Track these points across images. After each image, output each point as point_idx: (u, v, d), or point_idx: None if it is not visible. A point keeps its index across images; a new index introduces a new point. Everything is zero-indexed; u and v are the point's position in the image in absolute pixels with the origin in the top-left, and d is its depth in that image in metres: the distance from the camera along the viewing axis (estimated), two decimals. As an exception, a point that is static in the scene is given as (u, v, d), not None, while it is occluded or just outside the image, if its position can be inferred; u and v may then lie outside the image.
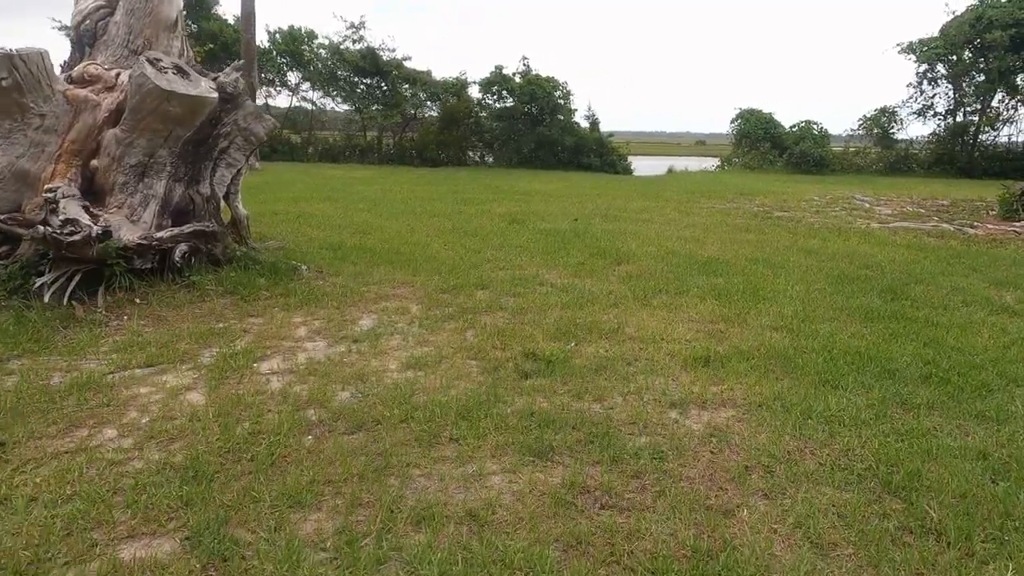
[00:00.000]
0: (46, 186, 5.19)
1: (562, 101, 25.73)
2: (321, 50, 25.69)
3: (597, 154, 25.37)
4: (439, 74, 32.88)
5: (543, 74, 25.76)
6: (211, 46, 23.07)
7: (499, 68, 26.08)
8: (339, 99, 26.56)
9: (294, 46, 24.96)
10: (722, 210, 12.82)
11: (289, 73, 25.93)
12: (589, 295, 5.97)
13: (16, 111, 5.27)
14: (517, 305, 5.58)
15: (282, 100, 33.75)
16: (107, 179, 5.62)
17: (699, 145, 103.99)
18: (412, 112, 26.45)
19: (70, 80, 5.74)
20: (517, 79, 25.73)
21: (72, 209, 4.94)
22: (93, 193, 5.69)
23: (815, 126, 26.41)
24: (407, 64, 25.69)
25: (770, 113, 27.33)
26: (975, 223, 11.99)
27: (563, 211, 11.99)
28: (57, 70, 5.75)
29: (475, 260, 7.32)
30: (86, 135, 5.55)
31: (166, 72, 5.60)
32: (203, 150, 6.15)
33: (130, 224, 5.46)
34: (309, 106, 26.81)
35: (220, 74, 6.36)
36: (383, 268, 6.82)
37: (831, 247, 8.97)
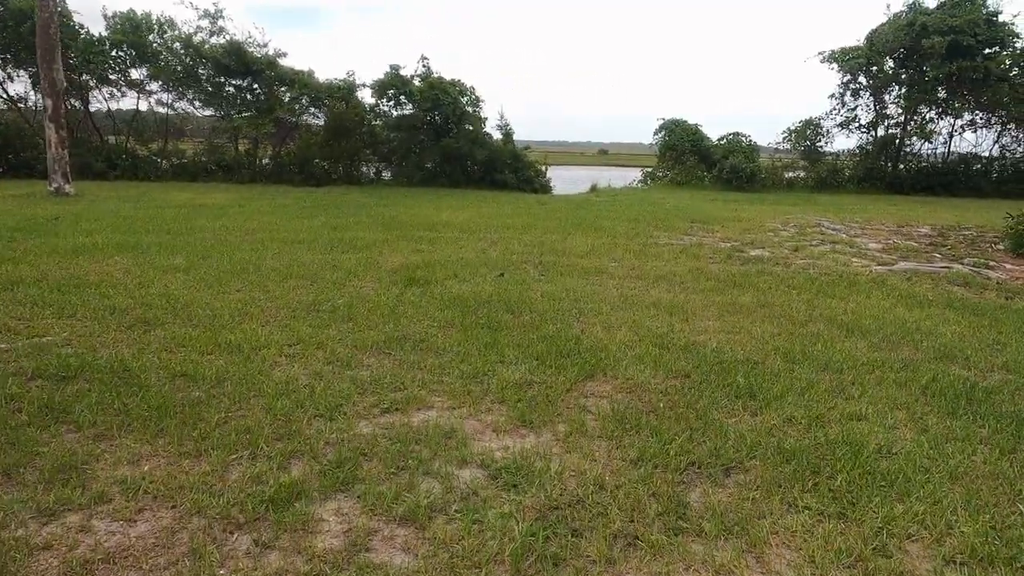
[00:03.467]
0: None
1: (470, 108, 22.39)
2: (176, 43, 21.14)
3: (512, 169, 22.21)
4: (323, 75, 28.97)
5: (446, 76, 22.46)
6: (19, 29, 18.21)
7: (395, 68, 22.45)
8: (198, 103, 22.02)
9: (137, 35, 20.28)
10: (685, 249, 9.99)
11: (132, 70, 21.17)
12: (559, 511, 2.76)
13: None
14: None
15: (128, 102, 28.41)
16: None
17: (602, 155, 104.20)
18: (292, 120, 22.38)
19: None
20: (417, 82, 22.17)
21: None
22: None
23: (744, 139, 24.61)
24: (282, 62, 21.62)
25: (696, 125, 25.29)
26: (988, 261, 9.79)
27: (482, 256, 8.74)
28: None
29: (331, 394, 3.94)
30: None
31: None
32: None
33: None
34: (164, 111, 22.14)
35: None
36: (138, 435, 3.32)
37: (864, 316, 6.25)
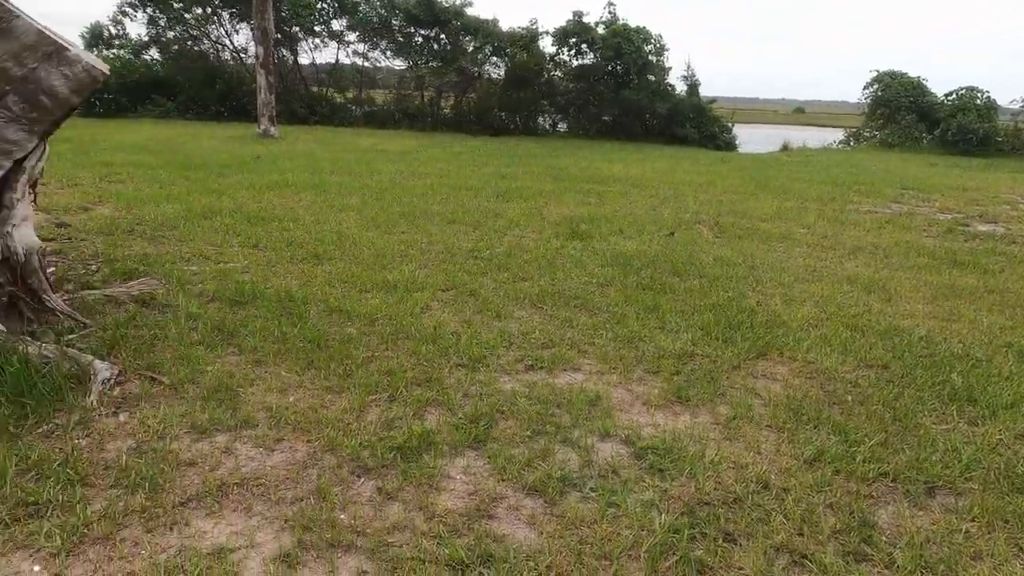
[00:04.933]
0: None
1: (654, 58, 21.18)
2: (374, -7, 22.22)
3: (694, 124, 20.78)
4: (507, 24, 28.96)
5: (632, 24, 21.36)
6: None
7: (578, 15, 21.79)
8: (390, 53, 23.07)
9: (339, -13, 21.59)
10: (893, 219, 8.66)
11: (334, 20, 22.62)
12: (710, 509, 2.35)
13: None
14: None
15: (328, 54, 30.23)
16: None
17: (797, 113, 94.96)
18: (475, 70, 22.71)
19: None
20: (600, 29, 21.38)
21: None
22: None
23: (979, 94, 20.90)
24: (468, 11, 21.86)
25: (918, 78, 21.88)
26: None
27: (652, 213, 8.19)
28: None
29: (477, 344, 3.78)
30: None
31: None
32: None
33: None
34: (360, 61, 23.49)
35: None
36: (291, 365, 3.40)
37: None
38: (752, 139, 24.84)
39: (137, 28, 22.54)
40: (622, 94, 21.36)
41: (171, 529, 2.20)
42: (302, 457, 2.64)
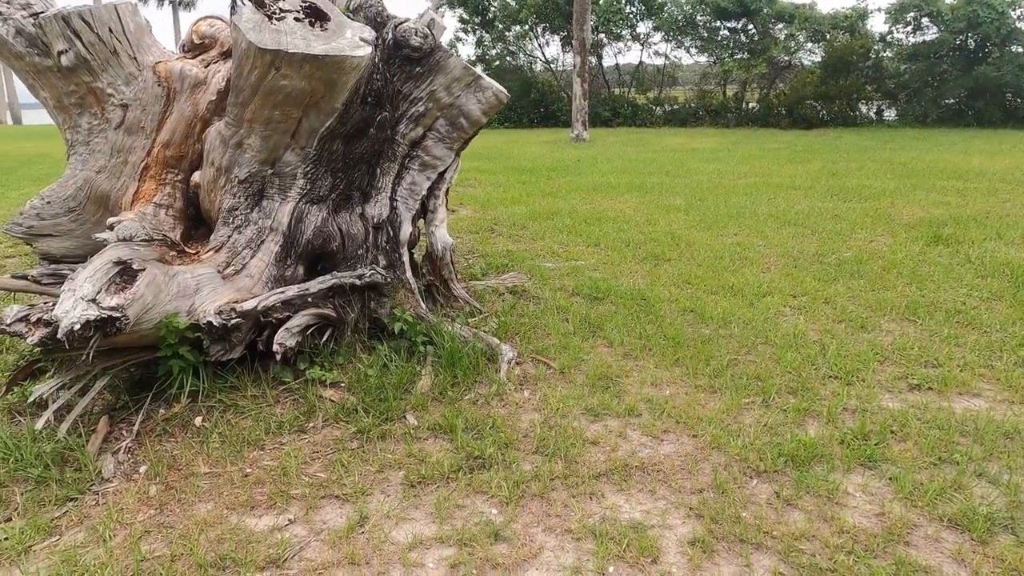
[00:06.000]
0: (108, 221, 3.30)
1: (1023, 25, 17.52)
2: (681, -8, 22.12)
3: (1080, 102, 16.71)
4: (827, 6, 26.37)
5: (990, -12, 17.86)
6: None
7: (918, -12, 19.00)
8: (693, 50, 22.71)
9: (648, -9, 21.89)
10: None
11: (639, 24, 22.99)
12: None
13: (93, 102, 3.46)
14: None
15: (631, 56, 30.87)
16: (212, 203, 3.56)
17: None
18: (785, 59, 21.20)
19: (183, 49, 3.78)
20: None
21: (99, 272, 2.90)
22: (206, 226, 3.71)
23: None
24: (781, -2, 20.47)
25: None
26: None
27: (1035, 214, 6.82)
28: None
29: (846, 356, 3.56)
30: (184, 133, 3.53)
31: (282, 17, 3.21)
32: (365, 147, 3.69)
33: (220, 281, 3.30)
34: (661, 61, 23.61)
35: (399, 18, 3.78)
36: (658, 360, 3.60)
37: None
38: None
39: (467, 50, 25.63)
40: (976, 72, 18.05)
41: (590, 498, 2.49)
42: (691, 451, 2.78)
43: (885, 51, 20.48)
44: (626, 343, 3.83)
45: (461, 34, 25.42)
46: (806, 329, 4.01)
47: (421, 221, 4.30)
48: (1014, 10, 17.50)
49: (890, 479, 2.56)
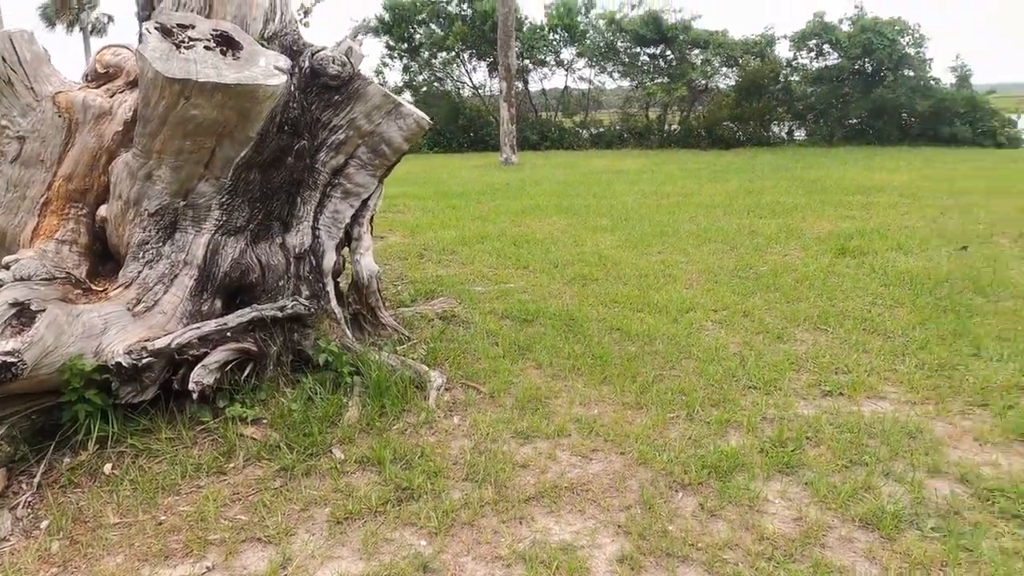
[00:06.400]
0: (4, 259, 3.10)
1: (912, 50, 18.94)
2: (600, 20, 22.84)
3: (967, 120, 18.08)
4: (739, 33, 27.78)
5: (883, 17, 19.29)
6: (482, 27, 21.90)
7: (819, 16, 20.27)
8: (616, 75, 23.45)
9: (569, 19, 22.48)
10: None
11: (563, 50, 23.62)
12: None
13: (-15, 134, 3.27)
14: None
15: (556, 81, 31.73)
16: (120, 237, 3.40)
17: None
18: (702, 83, 22.18)
19: (86, 78, 3.63)
20: (845, 27, 19.66)
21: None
22: (114, 262, 3.54)
23: None
24: (696, 25, 21.45)
25: None
26: None
27: (932, 225, 7.34)
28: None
29: (764, 367, 3.71)
30: (88, 165, 3.37)
31: (191, 46, 3.13)
32: (284, 176, 3.63)
33: (130, 319, 3.15)
34: (585, 86, 24.27)
35: (316, 47, 3.76)
36: (586, 380, 3.65)
37: None
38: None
39: (394, 76, 25.58)
40: (874, 94, 19.36)
41: (521, 522, 2.49)
42: (619, 468, 2.82)
43: (793, 75, 21.72)
44: (555, 364, 3.87)
45: (388, 60, 25.42)
46: (727, 342, 4.16)
47: (346, 249, 4.25)
48: (903, 37, 18.97)
49: (806, 484, 2.67)
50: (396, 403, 3.34)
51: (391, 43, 24.77)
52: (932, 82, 19.24)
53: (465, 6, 23.33)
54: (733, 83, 22.17)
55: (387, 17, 24.27)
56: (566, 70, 24.46)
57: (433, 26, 24.47)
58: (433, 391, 3.47)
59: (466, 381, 3.66)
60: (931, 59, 19.53)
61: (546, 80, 25.39)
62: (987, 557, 2.20)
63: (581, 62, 24.02)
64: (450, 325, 4.56)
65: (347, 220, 4.09)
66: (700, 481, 2.69)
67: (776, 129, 22.23)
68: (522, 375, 3.73)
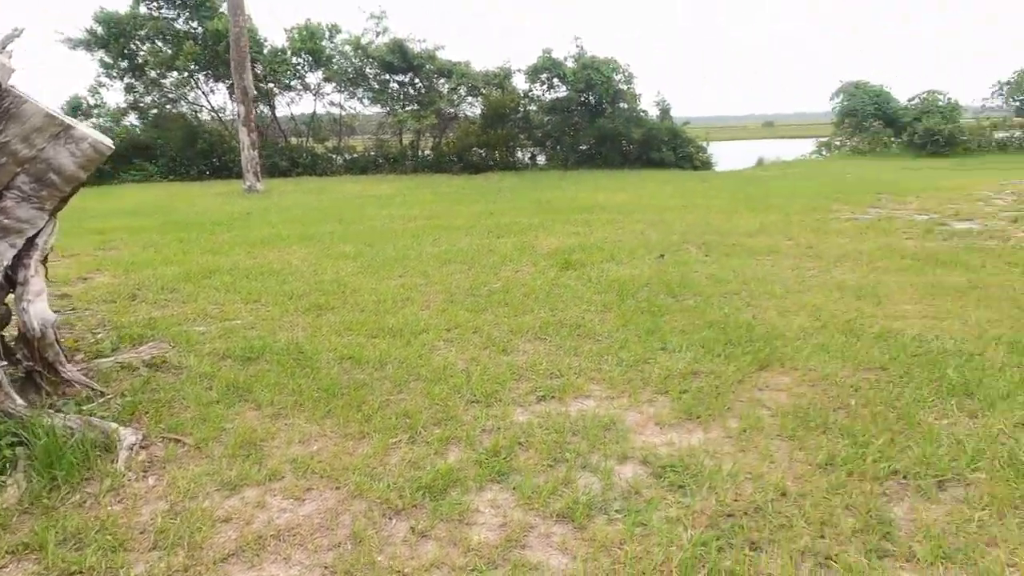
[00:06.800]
0: None
1: (624, 86, 21.76)
2: (347, 46, 22.67)
3: (670, 147, 21.32)
4: (479, 65, 29.55)
5: (600, 56, 21.93)
6: (216, 47, 20.50)
7: (547, 52, 22.38)
8: (366, 101, 23.46)
9: (313, 43, 21.99)
10: (873, 224, 8.92)
11: (309, 74, 23.02)
12: (734, 520, 2.43)
13: None
14: None
15: (306, 105, 30.95)
16: None
17: (767, 127, 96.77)
18: (450, 111, 23.15)
19: None
20: (570, 64, 21.98)
21: None
22: None
23: (940, 96, 21.56)
24: (440, 55, 22.34)
25: (880, 86, 22.61)
26: None
27: (640, 238, 8.38)
28: None
29: (488, 380, 3.88)
30: None
31: None
32: (-100, 214, 2.93)
33: None
34: (336, 111, 23.87)
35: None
36: (309, 415, 3.47)
37: None
38: (728, 156, 25.35)
39: (115, 96, 22.74)
40: (597, 123, 21.85)
41: (215, 585, 2.25)
42: (333, 504, 2.71)
43: (531, 105, 23.63)
44: (276, 402, 3.63)
45: (105, 79, 22.50)
46: (455, 360, 4.27)
47: (10, 297, 3.57)
48: (616, 74, 21.75)
49: (514, 488, 2.80)
50: (74, 472, 2.86)
51: (107, 59, 21.99)
52: (642, 114, 22.30)
53: (195, 24, 21.61)
54: (479, 111, 23.47)
55: (100, 31, 21.52)
56: (314, 95, 23.85)
57: (160, 43, 22.26)
58: (124, 451, 3.04)
59: (167, 434, 3.27)
60: (640, 94, 22.67)
61: (294, 105, 24.51)
62: (656, 528, 2.48)
63: (329, 87, 23.59)
64: (158, 372, 4.07)
65: (7, 262, 3.45)
66: (414, 504, 2.69)
67: (520, 155, 23.95)
68: (237, 419, 3.44)
